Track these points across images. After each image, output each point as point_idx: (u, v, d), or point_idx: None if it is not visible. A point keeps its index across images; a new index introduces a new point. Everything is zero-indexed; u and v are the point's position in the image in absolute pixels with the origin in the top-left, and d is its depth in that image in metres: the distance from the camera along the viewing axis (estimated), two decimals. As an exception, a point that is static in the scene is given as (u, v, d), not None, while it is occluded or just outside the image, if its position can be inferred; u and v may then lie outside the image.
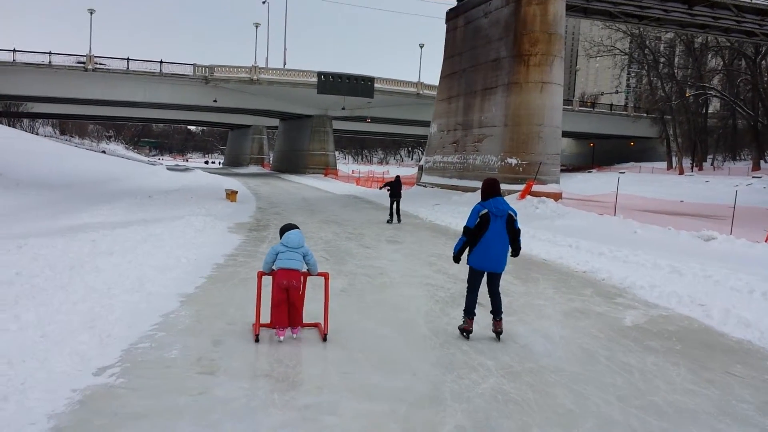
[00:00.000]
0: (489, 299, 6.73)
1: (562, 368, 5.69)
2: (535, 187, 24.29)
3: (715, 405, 4.97)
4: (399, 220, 19.79)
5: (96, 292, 7.65)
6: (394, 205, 19.92)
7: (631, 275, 10.53)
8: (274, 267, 6.29)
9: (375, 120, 76.17)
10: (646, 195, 31.50)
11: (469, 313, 6.61)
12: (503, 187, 24.29)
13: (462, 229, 6.81)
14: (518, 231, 6.71)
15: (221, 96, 62.53)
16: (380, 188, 21.38)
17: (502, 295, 6.86)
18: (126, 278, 8.48)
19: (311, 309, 6.77)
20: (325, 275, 6.57)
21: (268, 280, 6.39)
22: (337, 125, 78.48)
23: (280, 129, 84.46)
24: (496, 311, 6.63)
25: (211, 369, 5.29)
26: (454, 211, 22.51)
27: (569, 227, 18.71)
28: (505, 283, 9.63)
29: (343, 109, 67.26)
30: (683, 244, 15.72)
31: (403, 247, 13.81)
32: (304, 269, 6.42)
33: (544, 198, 23.16)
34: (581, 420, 4.52)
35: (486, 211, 6.50)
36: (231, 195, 25.91)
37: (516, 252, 6.86)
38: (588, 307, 8.40)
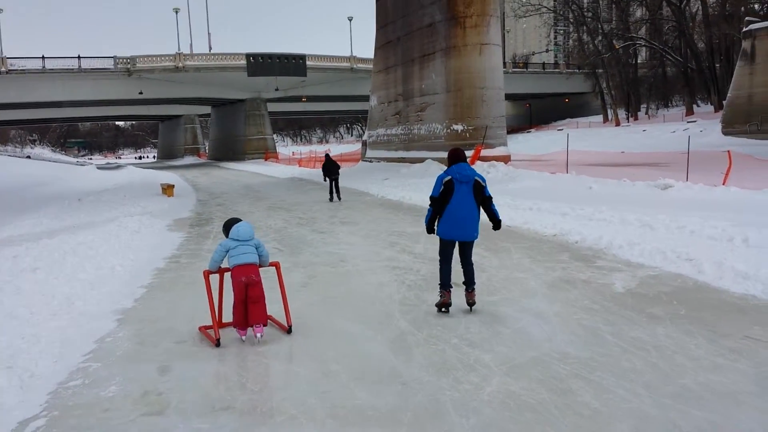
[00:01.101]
0: (462, 270, 6.44)
1: (568, 354, 4.97)
2: (484, 152, 23.78)
3: (752, 381, 4.32)
4: (339, 198, 19.38)
5: (16, 319, 6.54)
6: (333, 184, 19.48)
7: (604, 234, 9.95)
8: (227, 264, 5.83)
9: (310, 99, 74.56)
10: (588, 149, 31.45)
11: (445, 285, 6.33)
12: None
13: (428, 201, 6.51)
14: (489, 198, 6.37)
15: (146, 87, 59.78)
16: (324, 179, 20.31)
17: (477, 271, 6.54)
18: (52, 298, 7.36)
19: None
20: (276, 264, 6.14)
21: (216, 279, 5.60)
22: (273, 107, 76.43)
23: (213, 116, 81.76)
24: (469, 282, 6.39)
25: (160, 407, 4.34)
26: (405, 185, 21.77)
27: (524, 189, 18.20)
28: (476, 257, 8.87)
29: (277, 90, 65.38)
30: (641, 195, 15.39)
31: (359, 228, 12.93)
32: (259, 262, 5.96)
33: (494, 162, 22.65)
34: (614, 422, 3.79)
35: (449, 177, 6.22)
36: (167, 189, 24.46)
37: (496, 223, 6.51)
38: (571, 274, 7.74)
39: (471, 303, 6.34)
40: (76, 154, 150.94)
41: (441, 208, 6.24)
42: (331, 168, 19.77)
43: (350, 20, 71.47)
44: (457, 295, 6.49)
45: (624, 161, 25.96)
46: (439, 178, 6.28)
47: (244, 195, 23.92)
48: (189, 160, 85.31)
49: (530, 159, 26.70)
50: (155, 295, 7.75)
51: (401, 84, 29.36)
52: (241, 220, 6.10)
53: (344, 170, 33.93)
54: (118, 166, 71.83)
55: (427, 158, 25.61)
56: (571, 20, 71.84)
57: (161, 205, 20.39)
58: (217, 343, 5.57)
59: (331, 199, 19.36)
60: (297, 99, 73.81)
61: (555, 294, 6.83)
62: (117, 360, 5.34)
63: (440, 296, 6.35)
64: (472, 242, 6.44)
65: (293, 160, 54.05)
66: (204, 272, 5.91)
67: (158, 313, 6.83)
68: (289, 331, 5.84)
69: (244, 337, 5.75)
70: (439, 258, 6.46)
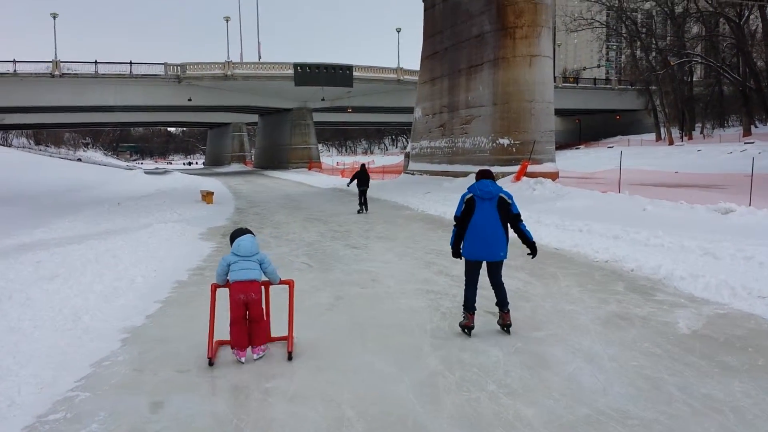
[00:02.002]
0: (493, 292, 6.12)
1: (628, 413, 4.17)
2: (531, 168, 22.82)
3: None
4: (366, 209, 19.40)
5: (16, 334, 6.06)
6: (363, 195, 19.52)
7: (662, 262, 9.04)
8: (228, 278, 5.54)
9: (356, 109, 74.40)
10: (640, 168, 30.14)
11: (469, 308, 6.03)
12: (496, 169, 22.80)
13: None
14: (517, 216, 6.07)
15: (196, 94, 60.40)
16: (348, 184, 20.81)
17: (520, 300, 6.25)
18: (59, 312, 6.87)
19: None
20: (290, 283, 5.70)
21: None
22: (318, 117, 76.53)
23: (259, 125, 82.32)
24: (501, 303, 6.08)
25: (141, 455, 3.72)
26: (446, 199, 20.96)
27: (572, 209, 17.23)
28: (520, 283, 8.15)
29: (323, 100, 65.34)
30: (700, 219, 14.30)
31: (395, 245, 12.24)
32: (264, 278, 5.63)
33: (541, 178, 21.68)
34: None
35: (470, 195, 6.07)
36: (207, 196, 24.24)
37: (530, 247, 6.09)
38: (627, 309, 6.88)
39: (505, 325, 6.04)
40: (127, 159, 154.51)
41: (464, 227, 6.03)
42: (362, 178, 19.77)
43: (398, 32, 71.07)
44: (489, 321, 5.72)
45: (678, 182, 24.70)
46: (462, 197, 6.13)
47: (283, 205, 23.49)
48: (235, 167, 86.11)
49: (579, 177, 25.60)
50: (169, 312, 7.19)
51: (447, 95, 28.64)
52: (247, 232, 5.77)
53: (386, 182, 33.52)
54: (165, 171, 72.94)
55: (470, 172, 24.69)
56: (625, 35, 69.94)
57: (199, 213, 20.11)
58: (210, 363, 5.28)
59: (359, 211, 19.32)
60: (343, 109, 73.73)
61: (610, 333, 6.00)
62: (109, 390, 4.75)
63: (463, 317, 6.08)
64: (500, 262, 6.05)
65: (336, 170, 53.80)
66: (212, 285, 5.62)
67: (167, 333, 6.25)
68: (289, 357, 5.42)
69: (243, 359, 5.40)
70: (465, 278, 6.17)
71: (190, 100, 60.13)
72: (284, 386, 4.77)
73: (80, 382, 4.89)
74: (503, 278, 6.13)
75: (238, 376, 5.00)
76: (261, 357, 5.47)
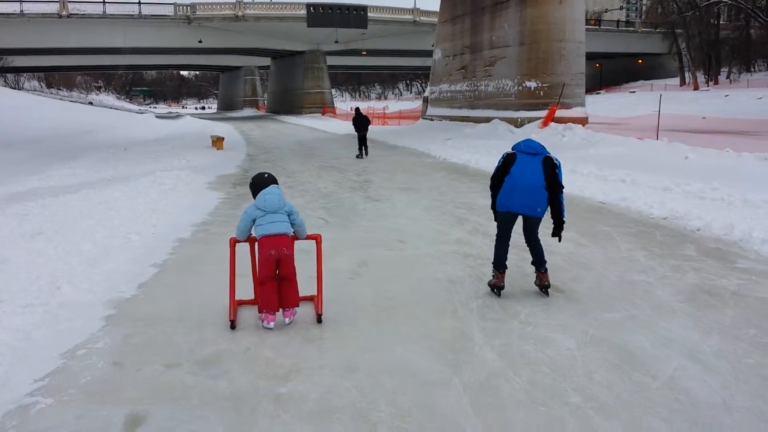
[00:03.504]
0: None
1: (768, 441, 3.07)
2: (559, 112, 21.39)
3: None
4: (366, 154, 18.97)
5: (-23, 309, 5.03)
6: (362, 140, 19.17)
7: (731, 220, 7.81)
8: (253, 233, 4.91)
9: (370, 53, 72.03)
10: (663, 113, 28.52)
11: (499, 265, 5.43)
12: (522, 114, 21.42)
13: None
14: (560, 186, 5.29)
15: (206, 36, 58.46)
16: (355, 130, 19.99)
17: (577, 267, 5.94)
18: (36, 279, 5.83)
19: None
20: (317, 238, 5.09)
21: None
22: (332, 61, 74.20)
23: (272, 68, 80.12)
24: (538, 263, 5.41)
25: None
26: (469, 146, 19.66)
27: (608, 157, 15.89)
28: (572, 245, 6.98)
29: (336, 42, 63.10)
30: (749, 168, 13.02)
31: (420, 197, 11.06)
32: (292, 232, 4.96)
33: (570, 124, 20.29)
34: None
35: (513, 151, 5.41)
36: (217, 142, 23.05)
37: (558, 224, 5.36)
38: (710, 281, 5.72)
39: (544, 286, 5.39)
40: (141, 103, 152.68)
41: (500, 181, 5.36)
42: (360, 123, 19.38)
43: (415, -31, 68.11)
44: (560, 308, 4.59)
45: (709, 128, 23.16)
46: (503, 155, 5.48)
47: (296, 151, 22.29)
48: (248, 112, 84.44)
49: (609, 123, 24.07)
50: (166, 280, 6.13)
51: (469, 35, 26.89)
52: (273, 180, 5.05)
53: (404, 128, 32.11)
54: (178, 116, 71.48)
55: (494, 118, 23.37)
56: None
57: (208, 159, 19.00)
58: (232, 326, 4.78)
59: (359, 156, 18.84)
60: (357, 53, 71.43)
61: (701, 315, 4.85)
62: (77, 395, 3.69)
63: (492, 276, 5.50)
64: (538, 219, 5.35)
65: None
66: (231, 240, 4.95)
67: (159, 310, 5.19)
68: (319, 320, 4.88)
69: (271, 324, 4.75)
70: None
71: (200, 42, 58.29)
72: (302, 399, 3.66)
73: (42, 382, 3.84)
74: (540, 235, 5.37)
75: (243, 376, 3.93)
76: (293, 321, 4.86)
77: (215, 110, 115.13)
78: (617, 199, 10.08)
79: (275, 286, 4.79)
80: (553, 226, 5.36)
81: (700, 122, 26.31)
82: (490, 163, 15.65)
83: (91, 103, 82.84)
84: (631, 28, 79.27)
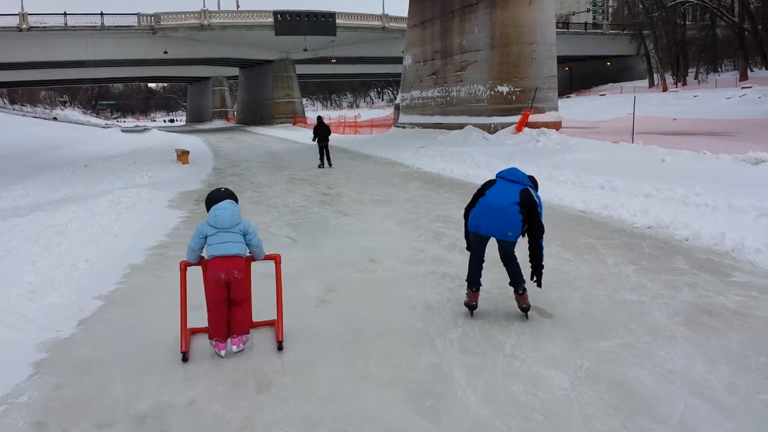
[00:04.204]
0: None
1: None
2: (533, 117, 21.04)
3: None
4: (330, 164, 18.84)
5: None
6: (324, 150, 19.05)
7: (721, 228, 7.41)
8: (204, 255, 4.57)
9: (340, 60, 71.54)
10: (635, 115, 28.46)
11: (471, 284, 5.09)
12: (495, 120, 21.02)
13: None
14: (540, 227, 4.82)
15: (172, 47, 57.42)
16: (313, 140, 19.75)
17: (563, 285, 5.51)
18: (-38, 320, 5.18)
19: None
20: (276, 258, 4.74)
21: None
22: (301, 70, 73.52)
23: (240, 78, 79.10)
24: (515, 283, 4.99)
25: None
26: (443, 154, 19.21)
27: (584, 162, 15.53)
28: (556, 261, 6.50)
29: (305, 50, 62.50)
30: (728, 171, 12.69)
31: (394, 210, 10.53)
32: (247, 253, 4.63)
33: (544, 129, 19.93)
34: None
35: (494, 178, 5.10)
36: (182, 156, 22.33)
37: (537, 270, 4.92)
38: (707, 298, 5.27)
39: (522, 308, 4.96)
40: (108, 117, 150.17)
41: (474, 202, 5.03)
42: (322, 132, 19.21)
43: (383, -24, 67.86)
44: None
45: (680, 130, 23.04)
46: (485, 182, 5.15)
47: (265, 163, 21.64)
48: (217, 123, 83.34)
49: (582, 126, 23.84)
50: (110, 315, 5.51)
51: (439, 40, 26.50)
52: (229, 194, 4.75)
53: (376, 137, 31.60)
54: (145, 129, 70.20)
55: (466, 124, 22.95)
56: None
57: (171, 174, 18.31)
58: (184, 358, 4.38)
59: (320, 165, 18.76)
60: (326, 60, 70.88)
61: (703, 339, 4.38)
62: (-16, 471, 3.11)
63: (466, 294, 5.15)
64: (510, 243, 4.89)
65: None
66: (181, 264, 4.63)
67: (99, 352, 4.58)
68: (279, 347, 4.52)
69: (223, 353, 4.45)
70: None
71: (165, 52, 57.23)
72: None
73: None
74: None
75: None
76: (242, 350, 4.52)
77: (184, 123, 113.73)
78: (598, 207, 9.67)
79: (225, 311, 4.46)
80: (530, 264, 4.96)
81: (671, 124, 26.20)
82: (464, 172, 15.27)
83: (55, 119, 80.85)
84: (599, 30, 79.97)
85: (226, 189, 4.83)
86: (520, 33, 21.77)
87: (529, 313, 4.95)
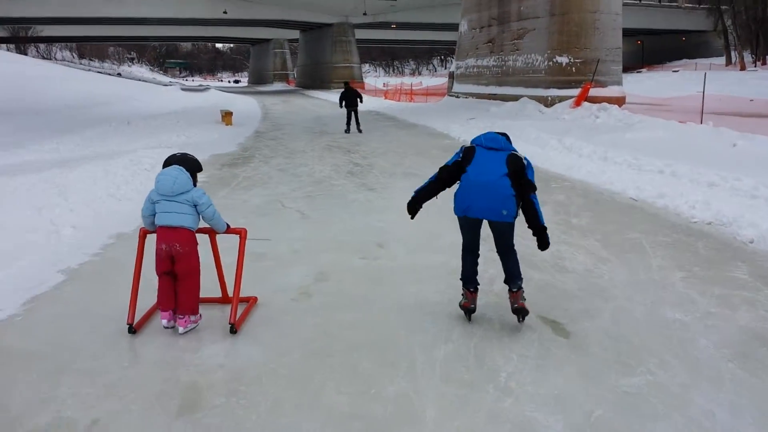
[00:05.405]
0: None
1: None
2: (593, 91, 19.59)
3: None
4: (359, 130, 18.57)
5: None
6: (352, 114, 18.77)
7: (794, 229, 6.25)
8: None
9: (401, 26, 70.04)
10: (708, 94, 26.38)
11: (467, 283, 4.40)
12: (551, 92, 19.58)
13: None
14: (531, 184, 4.16)
15: (231, 7, 57.22)
16: (341, 106, 19.44)
17: (588, 294, 4.62)
18: None
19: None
20: (241, 233, 4.37)
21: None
22: (361, 35, 72.27)
23: (300, 41, 78.49)
24: (510, 277, 4.31)
25: None
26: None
27: (646, 142, 14.15)
28: (591, 259, 5.52)
29: (365, 14, 61.14)
30: (808, 160, 11.26)
31: (422, 186, 9.61)
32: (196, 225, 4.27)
33: (605, 104, 18.50)
34: None
35: (472, 145, 4.38)
36: (226, 117, 21.84)
37: (537, 231, 4.23)
38: (770, 322, 4.24)
39: (518, 310, 4.20)
40: (176, 75, 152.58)
41: (446, 178, 4.37)
42: (349, 97, 18.90)
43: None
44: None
45: (758, 111, 21.12)
46: (461, 148, 4.47)
47: (309, 128, 20.90)
48: (278, 86, 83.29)
49: (648, 103, 22.16)
50: (66, 293, 4.87)
51: (496, 5, 25.00)
52: (178, 159, 4.31)
53: (427, 106, 30.47)
54: (205, 89, 70.66)
55: (522, 96, 21.62)
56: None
57: (210, 135, 17.80)
58: (130, 329, 4.12)
59: (347, 131, 18.54)
60: (386, 26, 69.46)
61: (759, 383, 3.39)
62: None
63: (462, 296, 4.44)
64: (506, 225, 4.19)
65: (379, 92, 50.45)
66: (141, 230, 4.40)
67: (27, 342, 3.92)
68: (231, 330, 4.13)
69: (165, 323, 4.18)
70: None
71: (225, 12, 57.05)
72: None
73: None
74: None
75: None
76: (188, 330, 4.18)
77: (247, 84, 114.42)
78: (653, 195, 8.51)
79: (170, 283, 4.20)
80: (536, 240, 4.24)
81: (748, 105, 24.19)
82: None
83: (119, 75, 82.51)
84: (674, 4, 75.76)
85: (183, 154, 4.45)
86: (582, 0, 20.17)
87: (543, 328, 4.05)
